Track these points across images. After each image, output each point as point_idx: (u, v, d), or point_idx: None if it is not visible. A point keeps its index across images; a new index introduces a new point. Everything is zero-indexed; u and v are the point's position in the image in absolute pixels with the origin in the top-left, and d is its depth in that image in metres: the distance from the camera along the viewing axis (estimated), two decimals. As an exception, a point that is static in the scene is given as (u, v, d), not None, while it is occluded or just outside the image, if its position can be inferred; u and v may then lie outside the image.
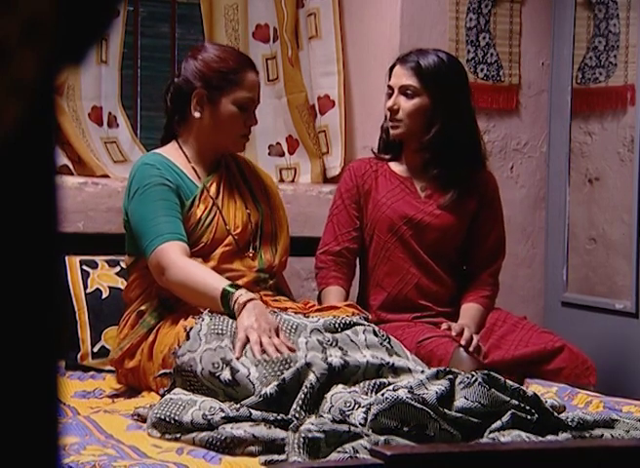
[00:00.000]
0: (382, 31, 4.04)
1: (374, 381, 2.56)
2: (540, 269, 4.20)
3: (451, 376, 2.47)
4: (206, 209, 3.03)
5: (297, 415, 2.42)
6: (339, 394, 2.48)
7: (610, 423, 2.48)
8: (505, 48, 4.12)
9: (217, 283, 2.81)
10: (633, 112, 3.85)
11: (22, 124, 0.69)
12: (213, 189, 3.07)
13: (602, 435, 2.42)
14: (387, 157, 3.42)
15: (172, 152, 3.10)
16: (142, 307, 2.99)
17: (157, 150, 3.13)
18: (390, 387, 2.50)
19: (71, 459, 2.21)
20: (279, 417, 2.40)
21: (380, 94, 3.81)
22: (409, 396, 2.34)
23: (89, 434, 2.47)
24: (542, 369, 3.16)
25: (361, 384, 2.55)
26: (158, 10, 4.23)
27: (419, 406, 2.31)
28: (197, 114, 3.05)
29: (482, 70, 4.07)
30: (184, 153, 3.10)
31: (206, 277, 2.84)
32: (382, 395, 2.39)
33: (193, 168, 3.08)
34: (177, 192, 3.00)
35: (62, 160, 3.70)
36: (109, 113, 3.96)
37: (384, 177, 3.39)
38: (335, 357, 2.59)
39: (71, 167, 3.78)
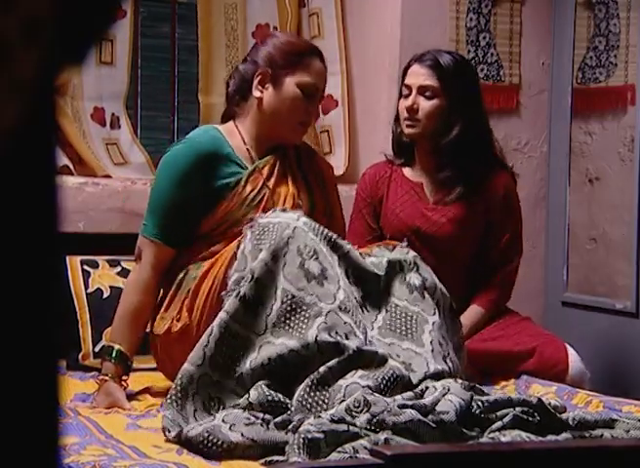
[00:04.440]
0: (383, 31, 4.04)
1: (390, 374, 2.49)
2: (540, 269, 4.20)
3: (472, 393, 2.44)
4: (254, 189, 2.93)
5: (303, 401, 2.41)
6: (353, 386, 2.44)
7: (610, 423, 2.48)
8: (506, 48, 4.12)
9: (117, 331, 2.93)
10: (633, 112, 3.85)
11: (22, 124, 0.69)
12: (265, 171, 2.97)
13: (602, 435, 2.41)
14: (400, 161, 3.42)
15: (229, 131, 3.03)
16: (180, 276, 2.91)
17: (218, 126, 3.07)
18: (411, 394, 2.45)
19: (71, 459, 2.20)
20: (282, 400, 2.39)
21: (381, 93, 3.82)
22: (429, 417, 2.30)
23: (89, 434, 2.47)
24: (516, 369, 3.19)
25: (376, 376, 2.48)
26: (158, 10, 4.22)
27: (433, 425, 2.29)
28: (257, 93, 2.98)
29: (482, 70, 4.07)
30: (241, 135, 3.02)
31: (124, 316, 2.92)
32: (400, 408, 2.33)
33: (248, 150, 3.00)
34: (200, 187, 2.91)
35: (63, 160, 3.70)
36: (112, 114, 3.96)
37: (396, 183, 3.39)
38: (352, 340, 2.52)
39: (72, 167, 3.78)
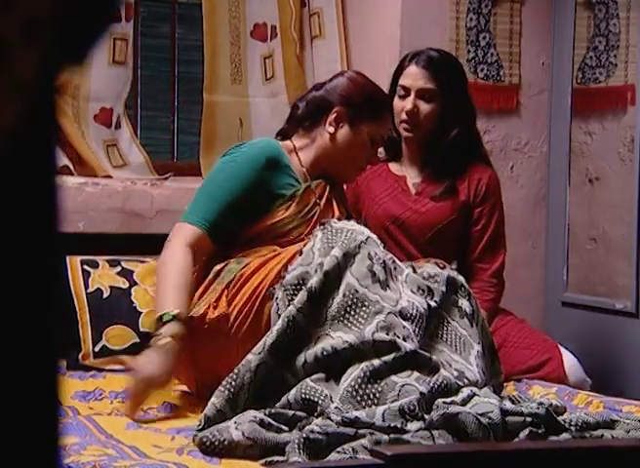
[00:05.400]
0: (383, 31, 4.04)
1: (442, 383, 2.49)
2: (540, 269, 4.20)
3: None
4: (307, 205, 2.93)
5: (353, 392, 2.40)
6: (409, 387, 2.42)
7: (610, 424, 2.48)
8: (505, 48, 4.12)
9: (167, 301, 2.71)
10: (633, 112, 3.85)
11: (22, 124, 0.69)
12: (318, 191, 2.98)
13: (602, 435, 2.41)
14: (386, 158, 3.47)
15: (287, 149, 3.04)
16: (217, 267, 2.84)
17: (279, 141, 3.07)
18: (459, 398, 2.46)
19: (72, 459, 2.20)
20: (317, 400, 2.38)
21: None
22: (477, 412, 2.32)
23: (89, 434, 2.47)
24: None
25: (430, 382, 2.47)
26: (158, 10, 4.22)
27: (485, 420, 2.29)
28: (331, 129, 3.01)
29: (482, 70, 4.07)
30: (298, 157, 3.03)
31: (168, 286, 2.74)
32: (446, 404, 2.34)
33: (304, 172, 3.02)
34: (260, 190, 2.89)
35: (63, 160, 3.70)
36: (117, 115, 3.96)
37: (381, 178, 3.44)
38: (408, 343, 2.52)
39: (72, 167, 3.78)
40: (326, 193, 3.01)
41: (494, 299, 3.35)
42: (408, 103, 3.30)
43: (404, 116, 3.31)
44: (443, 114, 3.29)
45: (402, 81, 3.34)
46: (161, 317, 2.68)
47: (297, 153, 3.04)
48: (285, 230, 2.89)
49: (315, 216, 2.93)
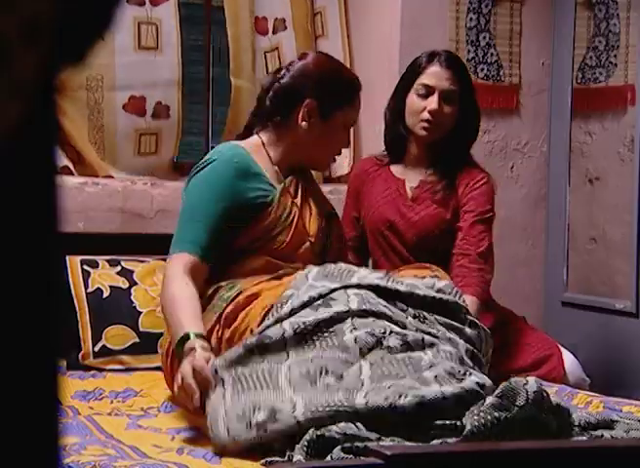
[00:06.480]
0: (383, 31, 4.04)
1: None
2: (540, 269, 4.20)
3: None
4: (285, 208, 2.85)
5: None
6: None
7: (610, 424, 2.48)
8: (505, 48, 4.12)
9: (185, 324, 2.59)
10: (633, 112, 3.85)
11: (22, 124, 0.69)
12: (292, 190, 2.90)
13: (602, 435, 2.41)
14: (388, 160, 3.40)
15: (255, 148, 2.91)
16: (209, 291, 2.77)
17: (241, 143, 2.93)
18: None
19: (72, 459, 2.21)
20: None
21: (381, 93, 3.81)
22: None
23: (89, 434, 2.48)
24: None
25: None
26: (158, 10, 4.22)
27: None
28: (304, 124, 2.88)
29: (482, 70, 4.07)
30: (269, 155, 2.92)
31: (184, 312, 2.62)
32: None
33: (277, 171, 2.91)
34: (237, 201, 2.80)
35: (63, 160, 3.69)
36: (159, 103, 3.93)
37: (381, 179, 3.38)
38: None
39: (72, 167, 3.78)
40: (300, 188, 2.92)
41: (482, 283, 3.16)
42: (432, 103, 3.21)
43: (426, 115, 3.22)
44: (459, 116, 3.26)
45: (425, 80, 3.25)
46: (185, 336, 2.56)
47: (266, 150, 2.93)
48: (269, 237, 2.82)
49: (295, 219, 2.86)
